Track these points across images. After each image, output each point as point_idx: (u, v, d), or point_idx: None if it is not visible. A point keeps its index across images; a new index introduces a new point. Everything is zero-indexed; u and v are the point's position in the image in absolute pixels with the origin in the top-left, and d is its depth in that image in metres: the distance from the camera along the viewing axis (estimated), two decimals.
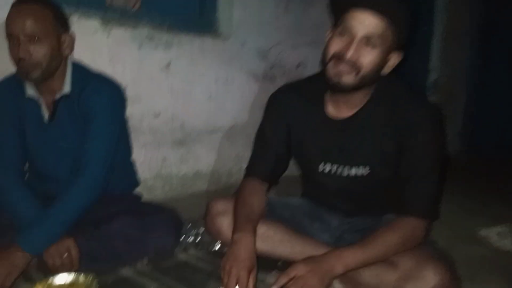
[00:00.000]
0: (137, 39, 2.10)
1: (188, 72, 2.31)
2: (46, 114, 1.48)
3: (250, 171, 1.46)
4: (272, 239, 1.33)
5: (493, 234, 1.91)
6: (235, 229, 1.26)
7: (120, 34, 2.03)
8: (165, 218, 1.55)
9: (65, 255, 1.32)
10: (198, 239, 1.66)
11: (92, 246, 1.42)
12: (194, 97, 2.35)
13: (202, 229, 1.65)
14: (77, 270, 1.31)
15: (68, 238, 1.34)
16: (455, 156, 4.15)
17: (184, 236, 1.65)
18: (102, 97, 1.48)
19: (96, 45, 1.94)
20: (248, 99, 2.62)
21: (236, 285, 1.13)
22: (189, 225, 1.70)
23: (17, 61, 1.36)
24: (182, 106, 2.30)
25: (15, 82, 1.48)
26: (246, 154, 1.54)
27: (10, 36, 1.35)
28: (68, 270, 1.31)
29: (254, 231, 1.26)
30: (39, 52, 1.35)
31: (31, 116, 1.49)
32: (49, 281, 1.25)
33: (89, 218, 1.47)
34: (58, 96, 1.46)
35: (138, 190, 1.82)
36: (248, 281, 1.15)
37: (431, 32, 4.04)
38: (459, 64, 4.26)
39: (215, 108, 2.46)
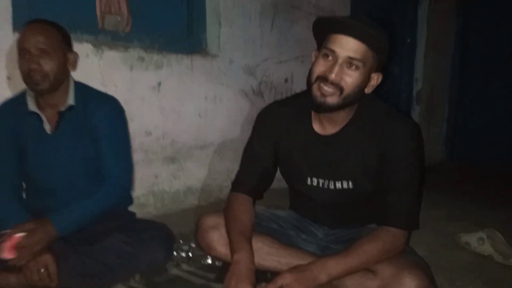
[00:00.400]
0: (129, 61, 2.17)
1: (178, 91, 2.38)
2: (48, 127, 1.58)
3: (237, 186, 1.51)
4: (260, 252, 1.38)
5: (474, 240, 1.97)
6: (233, 249, 1.32)
7: (112, 56, 2.10)
8: (157, 234, 1.60)
9: (42, 270, 1.37)
10: (190, 253, 1.70)
11: (86, 264, 1.47)
12: (184, 114, 2.42)
13: (193, 244, 1.69)
14: (57, 285, 1.39)
15: (46, 254, 1.40)
16: (440, 163, 4.25)
17: (176, 251, 1.69)
18: (109, 109, 1.64)
19: (89, 68, 2.00)
20: (237, 115, 2.69)
21: None
22: (181, 240, 1.75)
23: (28, 72, 1.49)
24: (173, 124, 2.37)
25: (17, 100, 1.62)
26: (236, 168, 1.59)
27: (23, 51, 1.49)
28: (46, 284, 1.37)
29: (251, 248, 1.33)
30: (48, 64, 1.49)
31: (33, 130, 1.58)
32: None
33: (83, 236, 1.53)
34: (63, 108, 1.58)
35: (130, 207, 1.87)
36: None
37: (415, 44, 4.17)
38: (441, 74, 4.39)
39: (205, 124, 2.53)
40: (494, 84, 4.22)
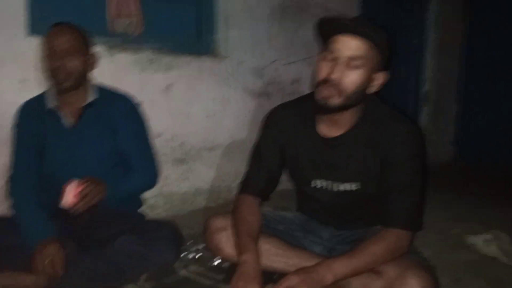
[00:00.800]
0: (139, 63, 2.21)
1: (187, 93, 2.41)
2: (67, 122, 1.66)
3: (245, 188, 1.54)
4: (267, 253, 1.41)
5: (480, 241, 1.98)
6: (240, 250, 1.34)
7: (123, 59, 2.15)
8: (166, 234, 1.62)
9: (47, 262, 1.42)
10: (199, 255, 1.73)
11: (98, 265, 1.50)
12: (193, 116, 2.45)
13: (202, 245, 1.72)
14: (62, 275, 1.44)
15: (52, 244, 1.44)
16: (447, 164, 4.24)
17: (185, 252, 1.72)
18: (129, 105, 1.79)
19: (100, 70, 2.00)
20: (245, 116, 2.72)
21: None
22: (190, 241, 1.77)
23: (53, 70, 1.59)
24: (182, 126, 2.41)
25: (37, 99, 1.71)
26: (244, 169, 1.61)
27: (49, 50, 1.59)
28: (51, 274, 1.42)
29: (258, 249, 1.36)
30: (72, 63, 1.60)
31: (53, 127, 1.66)
32: None
33: (95, 238, 1.57)
34: (84, 104, 1.67)
35: (140, 209, 1.91)
36: None
37: (423, 45, 4.17)
38: (449, 75, 4.38)
39: (214, 126, 2.56)
40: (502, 84, 4.20)
